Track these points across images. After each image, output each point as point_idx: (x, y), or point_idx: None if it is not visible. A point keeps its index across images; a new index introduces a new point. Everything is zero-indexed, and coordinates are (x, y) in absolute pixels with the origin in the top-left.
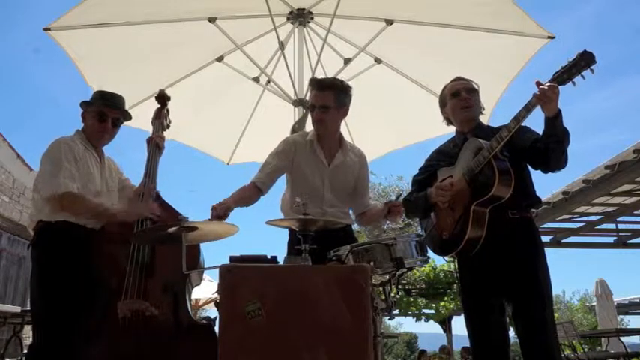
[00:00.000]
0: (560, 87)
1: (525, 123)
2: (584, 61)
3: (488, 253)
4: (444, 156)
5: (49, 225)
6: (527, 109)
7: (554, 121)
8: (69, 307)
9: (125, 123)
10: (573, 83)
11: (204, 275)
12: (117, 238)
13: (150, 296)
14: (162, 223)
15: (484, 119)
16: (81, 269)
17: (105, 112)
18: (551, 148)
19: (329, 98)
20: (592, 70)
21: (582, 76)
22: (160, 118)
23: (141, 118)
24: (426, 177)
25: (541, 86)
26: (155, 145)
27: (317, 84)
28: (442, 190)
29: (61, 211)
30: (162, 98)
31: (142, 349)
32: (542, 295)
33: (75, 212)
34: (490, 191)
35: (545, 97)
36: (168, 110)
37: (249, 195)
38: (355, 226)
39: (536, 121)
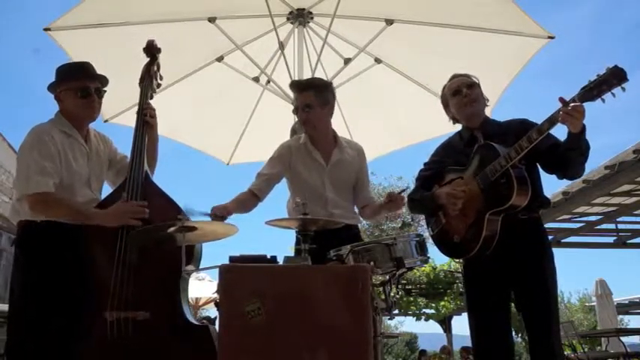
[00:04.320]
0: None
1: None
2: (616, 78)
3: (496, 252)
4: (451, 152)
5: (32, 224)
6: (551, 122)
7: (578, 136)
8: (48, 311)
9: (125, 123)
10: (602, 100)
11: (204, 275)
12: (103, 235)
13: (139, 299)
14: (158, 218)
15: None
16: (64, 272)
17: (87, 85)
18: (572, 159)
19: (310, 97)
20: (623, 88)
21: (613, 93)
22: (150, 77)
23: None
24: (432, 174)
25: (565, 109)
26: (142, 120)
27: (296, 86)
28: (454, 198)
29: (32, 212)
30: (152, 49)
31: (133, 353)
32: (548, 293)
33: (47, 214)
34: (508, 202)
35: (571, 118)
36: (159, 65)
37: (247, 202)
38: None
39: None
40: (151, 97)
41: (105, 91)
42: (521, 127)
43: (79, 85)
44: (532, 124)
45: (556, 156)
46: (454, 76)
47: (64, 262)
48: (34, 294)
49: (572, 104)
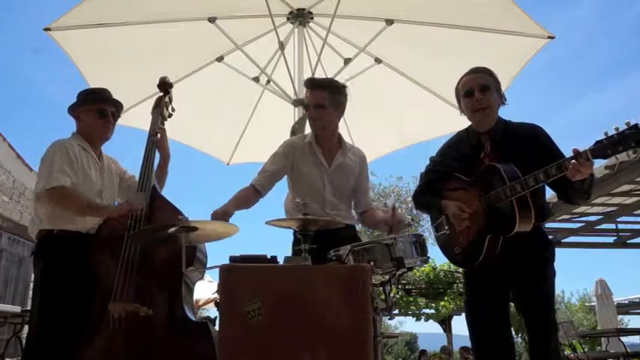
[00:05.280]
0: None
1: (527, 119)
2: (635, 140)
3: (497, 255)
4: (458, 155)
5: (50, 234)
6: (560, 170)
7: (582, 181)
8: (69, 317)
9: (125, 123)
10: (616, 159)
11: (205, 275)
12: (111, 240)
13: (142, 296)
14: (161, 221)
15: None
16: (81, 278)
17: (104, 107)
18: (575, 196)
19: (324, 97)
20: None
21: (628, 154)
22: (160, 107)
23: (141, 118)
24: (438, 177)
25: (576, 164)
26: (151, 140)
27: (312, 83)
28: (461, 220)
29: (51, 204)
30: (164, 85)
31: (136, 349)
32: (546, 293)
33: (64, 206)
34: (511, 232)
35: (577, 174)
36: (170, 98)
37: (248, 197)
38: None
39: (537, 114)
40: (162, 124)
41: (119, 116)
42: (533, 140)
43: (97, 107)
44: (543, 135)
45: (561, 183)
46: (471, 71)
47: (78, 267)
48: (52, 298)
49: (581, 161)
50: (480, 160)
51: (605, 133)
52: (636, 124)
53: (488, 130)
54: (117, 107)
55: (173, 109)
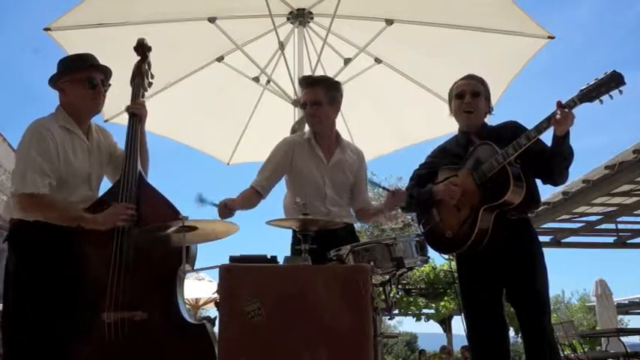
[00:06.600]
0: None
1: (526, 118)
2: (614, 81)
3: (487, 249)
4: (447, 154)
5: (25, 223)
6: (549, 121)
7: (562, 140)
8: (42, 312)
9: (125, 122)
10: (600, 101)
11: (204, 275)
12: (98, 235)
13: (136, 299)
14: (150, 214)
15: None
16: (57, 271)
17: (94, 76)
18: (555, 164)
19: (319, 94)
20: (620, 92)
21: (610, 96)
22: (141, 76)
23: None
24: (427, 172)
25: (562, 110)
26: (132, 116)
27: (306, 81)
28: (452, 186)
29: (22, 211)
30: (142, 48)
31: (131, 352)
32: (538, 289)
33: (39, 215)
34: (503, 197)
35: (563, 121)
36: (149, 64)
37: (250, 200)
38: (356, 225)
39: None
40: (143, 96)
41: (110, 85)
42: (514, 130)
43: (85, 76)
44: (520, 125)
45: (542, 161)
46: (466, 77)
47: (57, 260)
48: (27, 293)
49: (560, 110)
50: None
51: (587, 84)
52: (613, 70)
53: (476, 130)
54: (106, 75)
55: (152, 76)
